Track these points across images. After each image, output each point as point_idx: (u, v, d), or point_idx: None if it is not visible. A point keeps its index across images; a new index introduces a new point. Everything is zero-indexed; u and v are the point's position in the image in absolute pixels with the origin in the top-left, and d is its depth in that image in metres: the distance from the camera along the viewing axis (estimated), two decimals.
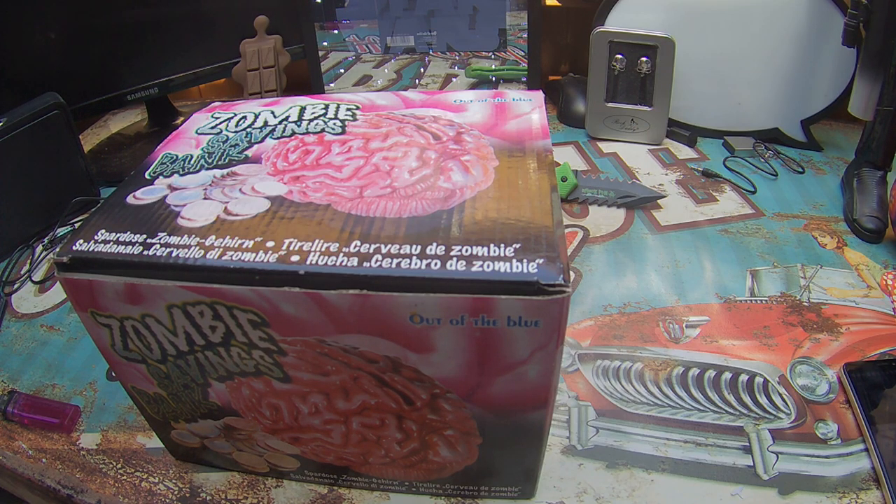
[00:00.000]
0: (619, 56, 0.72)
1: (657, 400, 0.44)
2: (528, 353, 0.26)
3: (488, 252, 0.24)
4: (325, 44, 0.84)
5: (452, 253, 0.24)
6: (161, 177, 0.33)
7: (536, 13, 0.79)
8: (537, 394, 0.28)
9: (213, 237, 0.27)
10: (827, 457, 0.39)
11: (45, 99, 0.62)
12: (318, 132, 0.33)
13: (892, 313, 0.50)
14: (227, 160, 0.33)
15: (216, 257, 0.26)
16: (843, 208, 0.63)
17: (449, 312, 0.25)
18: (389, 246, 0.25)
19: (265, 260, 0.26)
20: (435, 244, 0.25)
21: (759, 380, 0.44)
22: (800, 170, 0.69)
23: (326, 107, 0.37)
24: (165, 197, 0.31)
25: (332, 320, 0.26)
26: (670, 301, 0.52)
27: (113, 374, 0.48)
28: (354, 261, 0.25)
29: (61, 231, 0.65)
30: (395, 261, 0.25)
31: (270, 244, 0.26)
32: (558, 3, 0.89)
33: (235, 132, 0.36)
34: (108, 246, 0.27)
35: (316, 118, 0.36)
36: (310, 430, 0.33)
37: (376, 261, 0.25)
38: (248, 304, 0.26)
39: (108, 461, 0.41)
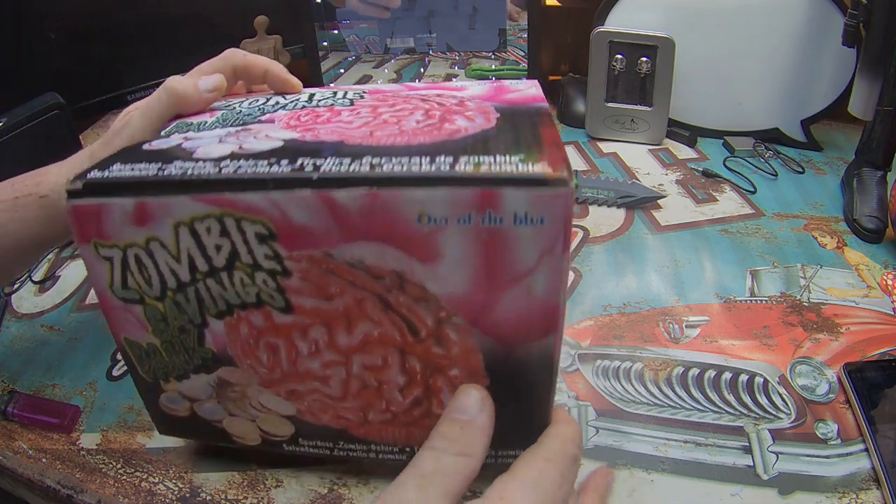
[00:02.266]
0: (619, 56, 0.72)
1: (657, 400, 0.44)
2: (535, 259, 0.26)
3: (494, 160, 0.25)
4: (325, 44, 0.84)
5: (461, 160, 0.25)
6: (176, 133, 0.33)
7: (536, 13, 0.79)
8: (545, 314, 0.27)
9: (228, 160, 0.28)
10: (827, 457, 0.39)
11: (45, 99, 0.62)
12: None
13: (892, 313, 0.50)
14: (240, 123, 0.34)
15: (231, 172, 0.27)
16: (843, 208, 0.63)
17: (456, 209, 0.25)
18: (400, 159, 0.26)
19: (279, 171, 0.26)
20: (443, 156, 0.26)
21: (759, 380, 0.44)
22: (800, 170, 0.69)
23: (335, 92, 0.38)
24: (181, 144, 0.31)
25: (341, 226, 0.26)
26: (670, 301, 0.52)
27: (112, 373, 0.48)
28: (366, 167, 0.26)
29: None
30: (405, 164, 0.25)
31: (285, 161, 0.27)
32: (558, 3, 0.89)
33: (248, 108, 0.37)
34: (122, 172, 0.28)
35: (325, 98, 0.37)
36: (308, 377, 0.32)
37: (387, 167, 0.25)
38: (257, 214, 0.27)
39: (108, 461, 0.41)
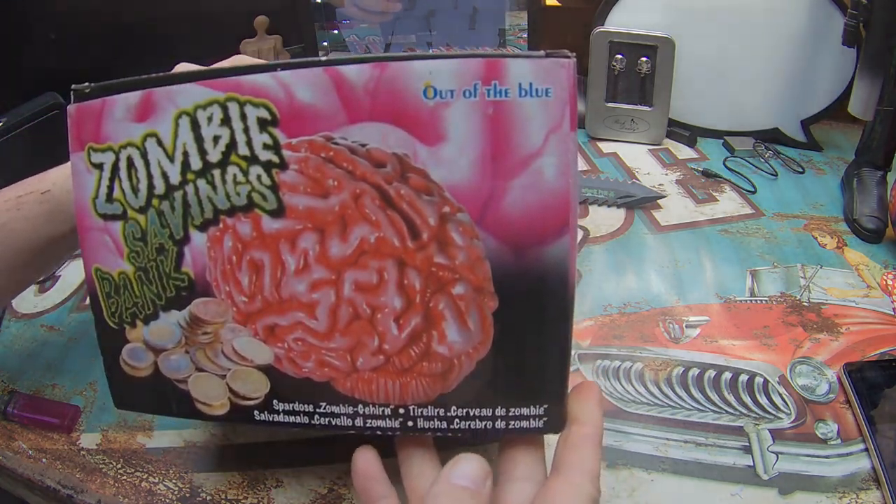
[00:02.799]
0: (619, 56, 0.72)
1: (657, 400, 0.44)
2: (541, 139, 0.25)
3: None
4: (325, 44, 0.84)
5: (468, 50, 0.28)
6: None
7: (536, 13, 0.79)
8: (556, 206, 0.26)
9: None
10: (827, 457, 0.39)
11: (45, 99, 0.62)
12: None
13: (892, 313, 0.50)
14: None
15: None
16: (843, 208, 0.63)
17: (463, 80, 0.25)
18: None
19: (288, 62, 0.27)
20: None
21: (759, 380, 0.44)
22: (800, 170, 0.69)
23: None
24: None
25: (346, 105, 0.26)
26: (670, 301, 0.52)
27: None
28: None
29: None
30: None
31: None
32: (558, 3, 0.89)
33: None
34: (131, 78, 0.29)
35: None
36: (291, 305, 0.28)
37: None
38: (262, 96, 0.26)
39: (108, 461, 0.41)
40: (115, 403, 0.34)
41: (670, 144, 0.76)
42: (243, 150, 0.27)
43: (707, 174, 0.69)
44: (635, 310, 0.51)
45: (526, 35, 0.81)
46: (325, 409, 0.30)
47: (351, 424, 0.30)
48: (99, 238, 0.30)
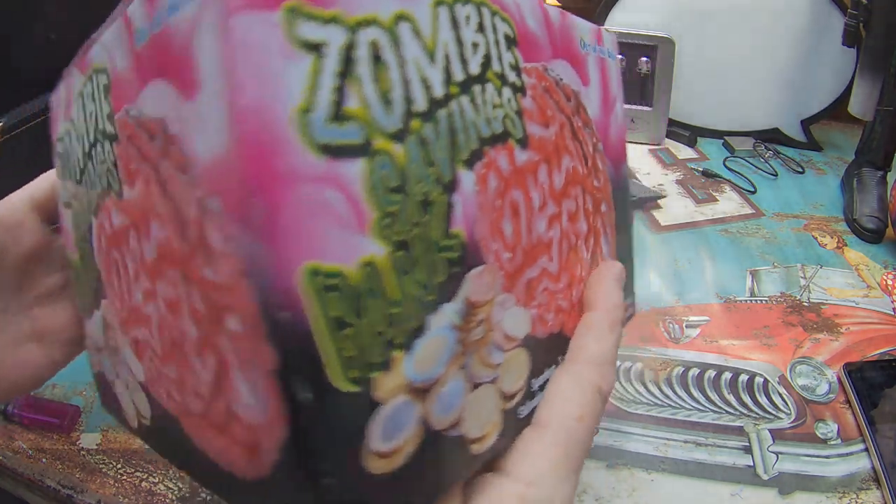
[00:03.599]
0: (619, 56, 0.72)
1: (657, 400, 0.44)
2: (616, 90, 0.31)
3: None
4: None
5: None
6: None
7: None
8: (623, 134, 0.33)
9: None
10: (827, 457, 0.39)
11: (45, 99, 0.62)
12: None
13: (892, 313, 0.50)
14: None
15: None
16: (843, 208, 0.63)
17: (591, 39, 0.29)
18: None
19: None
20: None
21: (759, 380, 0.44)
22: (800, 170, 0.69)
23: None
24: None
25: (551, 40, 0.27)
26: (670, 301, 0.52)
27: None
28: None
29: None
30: None
31: None
32: (558, 4, 0.89)
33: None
34: None
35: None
36: (539, 250, 0.23)
37: None
38: (506, 11, 0.22)
39: (108, 461, 0.41)
40: (101, 401, 0.26)
41: (670, 144, 0.76)
42: (496, 66, 0.21)
43: (707, 174, 0.69)
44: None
45: None
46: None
47: None
48: (314, 200, 0.15)
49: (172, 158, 0.17)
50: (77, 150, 0.24)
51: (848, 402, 0.42)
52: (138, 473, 0.41)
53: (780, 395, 0.43)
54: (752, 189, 0.66)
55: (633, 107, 0.75)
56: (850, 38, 0.62)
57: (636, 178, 0.69)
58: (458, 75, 0.20)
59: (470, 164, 0.20)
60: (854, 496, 0.37)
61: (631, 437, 0.41)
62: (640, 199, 0.64)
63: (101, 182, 0.22)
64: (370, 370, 0.16)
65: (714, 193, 0.66)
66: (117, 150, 0.20)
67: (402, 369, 0.17)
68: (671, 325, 0.50)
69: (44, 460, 0.42)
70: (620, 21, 0.73)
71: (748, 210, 0.63)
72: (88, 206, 0.23)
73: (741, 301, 0.52)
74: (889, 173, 0.63)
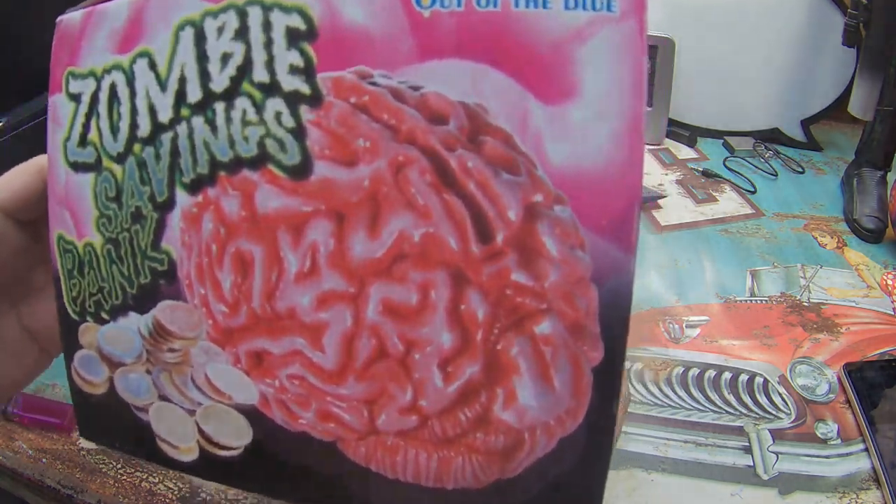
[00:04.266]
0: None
1: (657, 400, 0.44)
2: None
3: None
4: None
5: None
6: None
7: None
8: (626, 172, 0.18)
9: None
10: (827, 457, 0.39)
11: (45, 99, 0.62)
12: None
13: (892, 313, 0.50)
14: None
15: None
16: (843, 208, 0.63)
17: None
18: None
19: None
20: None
21: (759, 380, 0.44)
22: (800, 170, 0.69)
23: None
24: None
25: (416, 31, 0.17)
26: (670, 301, 0.52)
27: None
28: None
29: None
30: None
31: None
32: None
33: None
34: None
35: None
36: (288, 326, 0.20)
37: None
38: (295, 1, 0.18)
39: (108, 461, 0.41)
40: (80, 430, 0.26)
41: (670, 144, 0.76)
42: (260, 74, 0.19)
43: (707, 174, 0.69)
44: (635, 310, 0.51)
45: None
46: (324, 477, 0.21)
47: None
48: (67, 197, 0.23)
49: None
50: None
51: (848, 402, 0.42)
52: (138, 473, 0.41)
53: (780, 395, 0.43)
54: (752, 189, 0.66)
55: None
56: (850, 38, 0.62)
57: None
58: (194, 96, 0.20)
59: (194, 188, 0.20)
60: (854, 496, 0.37)
61: (631, 437, 0.41)
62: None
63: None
64: (85, 314, 0.23)
65: (714, 193, 0.66)
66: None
67: (96, 334, 0.23)
68: (671, 325, 0.50)
69: (44, 460, 0.42)
70: None
71: (748, 210, 0.63)
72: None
73: (741, 301, 0.52)
74: (889, 173, 0.63)
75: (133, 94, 0.21)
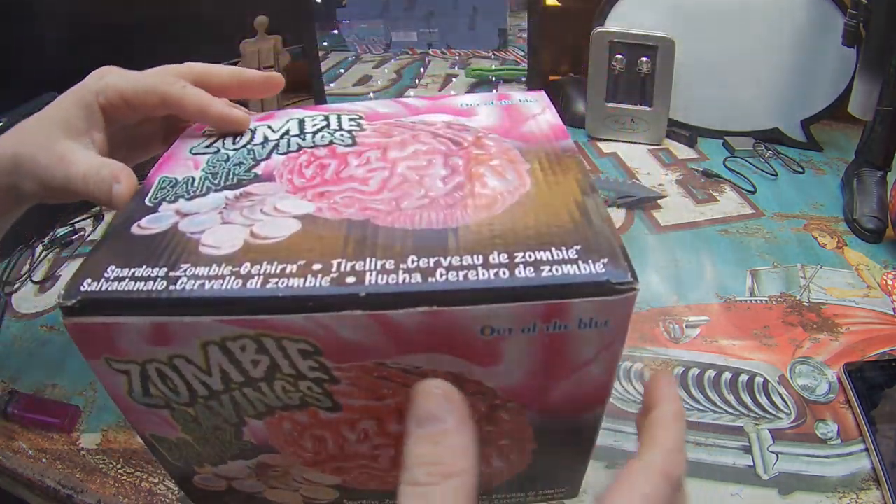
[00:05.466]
0: (619, 56, 0.72)
1: None
2: (593, 354, 0.25)
3: (552, 256, 0.24)
4: (325, 44, 0.84)
5: (517, 260, 0.23)
6: (164, 202, 0.29)
7: (536, 13, 0.79)
8: (598, 392, 0.27)
9: (248, 264, 0.24)
10: (827, 457, 0.39)
11: (45, 99, 0.62)
12: (327, 144, 0.31)
13: (892, 313, 0.50)
14: (235, 180, 0.30)
15: (258, 285, 0.23)
16: (843, 208, 0.63)
17: (521, 321, 0.23)
18: (450, 258, 0.24)
19: (317, 284, 0.23)
20: (496, 252, 0.24)
21: (758, 380, 0.44)
22: (800, 170, 0.69)
23: (327, 118, 0.35)
24: (177, 224, 0.27)
25: (396, 342, 0.24)
26: (670, 301, 0.52)
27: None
28: (417, 277, 0.23)
29: (61, 231, 0.65)
30: (461, 273, 0.23)
31: (318, 266, 0.24)
32: (558, 3, 0.89)
33: (235, 149, 0.33)
34: (123, 284, 0.24)
35: (319, 130, 0.34)
36: (356, 457, 0.29)
37: (441, 274, 0.23)
38: (300, 334, 0.23)
39: (108, 461, 0.41)
40: (192, 501, 0.33)
41: (670, 144, 0.76)
42: (288, 370, 0.25)
43: (707, 174, 0.69)
44: (635, 310, 0.51)
45: (526, 35, 0.81)
46: (390, 502, 0.32)
47: None
48: (147, 417, 0.27)
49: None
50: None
51: (848, 402, 0.42)
52: (138, 473, 0.41)
53: (780, 395, 0.43)
54: (752, 189, 0.66)
55: (633, 107, 0.75)
56: (850, 38, 0.62)
57: (636, 179, 0.69)
58: (238, 379, 0.25)
59: (259, 416, 0.27)
60: (854, 496, 0.37)
61: (631, 437, 0.41)
62: (640, 198, 0.64)
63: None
64: (190, 464, 0.30)
65: (714, 193, 0.66)
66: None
67: (211, 470, 0.30)
68: (671, 325, 0.50)
69: (44, 460, 0.42)
70: (620, 21, 0.73)
71: (748, 210, 0.63)
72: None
73: (741, 301, 0.52)
74: (889, 173, 0.63)
75: (181, 376, 0.25)
